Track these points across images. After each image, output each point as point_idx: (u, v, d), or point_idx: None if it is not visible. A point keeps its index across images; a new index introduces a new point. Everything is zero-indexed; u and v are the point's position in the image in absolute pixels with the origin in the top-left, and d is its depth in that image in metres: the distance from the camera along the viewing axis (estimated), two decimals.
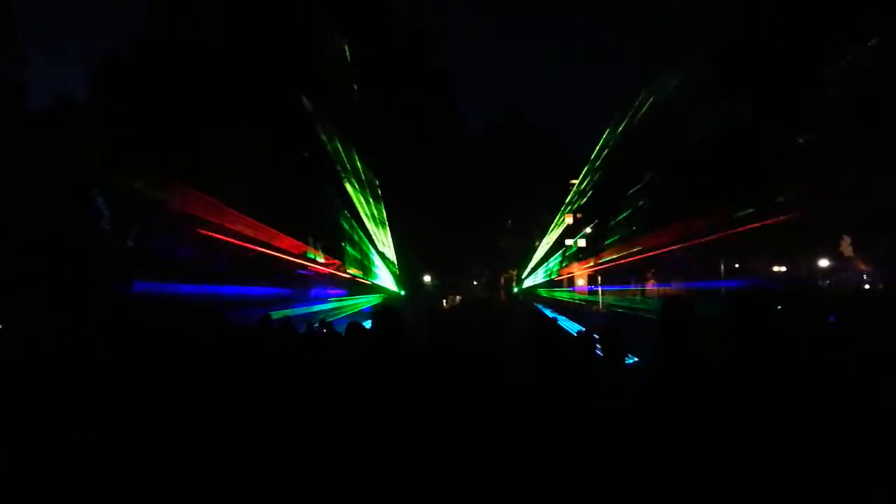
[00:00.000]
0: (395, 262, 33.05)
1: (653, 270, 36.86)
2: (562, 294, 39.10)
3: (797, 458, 2.63)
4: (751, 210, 26.63)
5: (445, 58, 74.41)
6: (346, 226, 30.53)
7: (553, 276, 41.80)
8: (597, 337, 4.91)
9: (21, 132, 22.76)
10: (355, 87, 28.81)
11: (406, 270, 33.57)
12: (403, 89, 29.99)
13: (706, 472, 2.74)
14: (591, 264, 40.96)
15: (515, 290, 41.15)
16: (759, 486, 2.65)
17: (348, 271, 31.36)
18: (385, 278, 33.33)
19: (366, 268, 32.32)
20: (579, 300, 37.87)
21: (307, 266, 29.11)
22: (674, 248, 30.13)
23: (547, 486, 3.31)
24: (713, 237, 27.58)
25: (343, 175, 29.22)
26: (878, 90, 22.07)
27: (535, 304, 28.47)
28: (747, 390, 2.82)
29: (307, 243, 29.41)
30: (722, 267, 35.47)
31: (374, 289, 32.07)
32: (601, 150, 36.14)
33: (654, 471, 2.85)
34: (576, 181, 39.10)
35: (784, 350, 2.99)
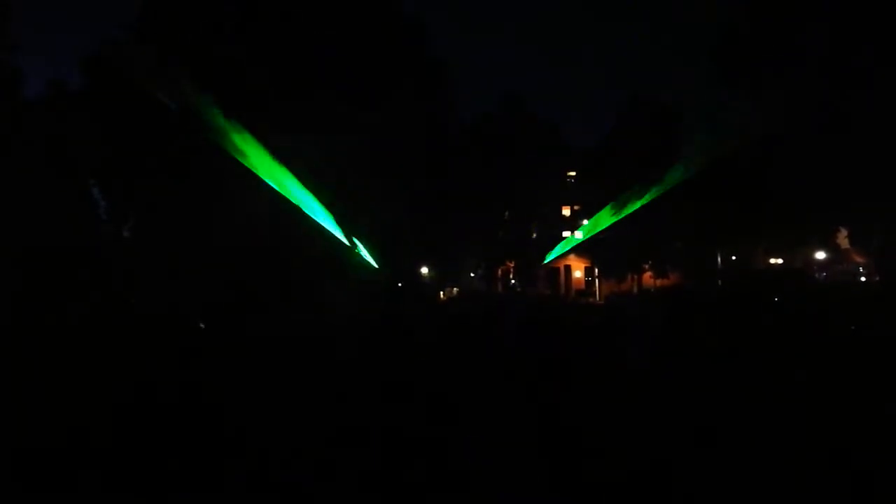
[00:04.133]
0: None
1: (650, 262, 36.81)
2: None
3: None
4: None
5: (444, 49, 74.07)
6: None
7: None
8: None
9: (18, 120, 22.54)
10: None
11: (401, 261, 33.16)
12: (400, 79, 29.67)
13: None
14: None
15: (513, 282, 41.11)
16: None
17: None
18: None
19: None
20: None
21: None
22: None
23: None
24: None
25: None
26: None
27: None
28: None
29: None
30: (719, 259, 35.45)
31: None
32: (600, 145, 36.08)
33: None
34: (574, 172, 38.97)
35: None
